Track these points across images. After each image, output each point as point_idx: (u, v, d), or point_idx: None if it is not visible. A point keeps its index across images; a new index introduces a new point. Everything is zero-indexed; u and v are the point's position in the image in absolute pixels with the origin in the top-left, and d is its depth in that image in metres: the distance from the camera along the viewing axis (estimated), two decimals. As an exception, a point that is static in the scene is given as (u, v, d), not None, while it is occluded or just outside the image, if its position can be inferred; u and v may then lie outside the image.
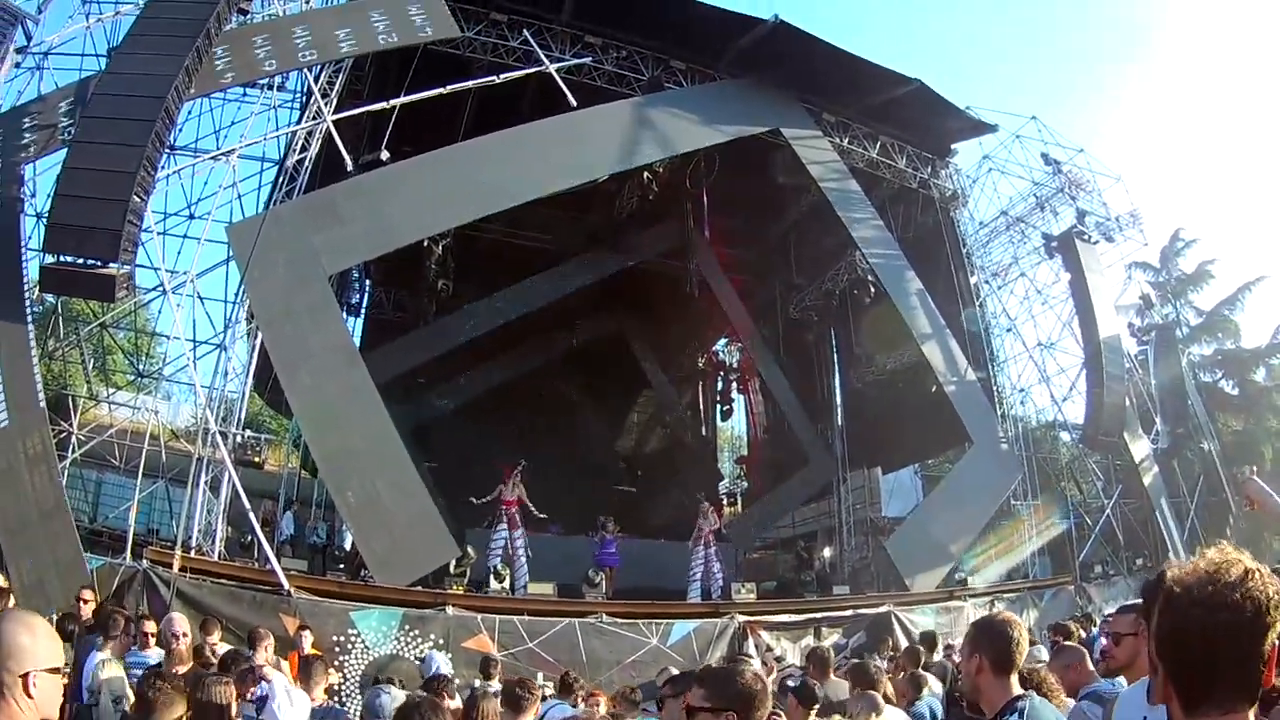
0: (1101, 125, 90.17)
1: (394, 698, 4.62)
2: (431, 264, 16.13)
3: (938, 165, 20.05)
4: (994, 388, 18.99)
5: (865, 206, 17.70)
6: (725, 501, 25.51)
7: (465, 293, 18.11)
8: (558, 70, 14.67)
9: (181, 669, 5.58)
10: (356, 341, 16.62)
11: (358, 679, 9.77)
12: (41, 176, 12.00)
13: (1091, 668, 4.10)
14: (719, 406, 27.72)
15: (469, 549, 12.83)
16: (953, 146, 20.29)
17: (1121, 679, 3.51)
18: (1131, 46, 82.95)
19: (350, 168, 12.63)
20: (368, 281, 19.48)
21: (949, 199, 20.09)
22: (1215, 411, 26.65)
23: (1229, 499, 23.52)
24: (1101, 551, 19.96)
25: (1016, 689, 2.79)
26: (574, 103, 14.31)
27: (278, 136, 13.82)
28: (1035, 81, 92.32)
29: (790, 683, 5.82)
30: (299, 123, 13.89)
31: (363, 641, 10.14)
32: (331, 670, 7.95)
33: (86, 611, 8.08)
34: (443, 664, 9.23)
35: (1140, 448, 20.23)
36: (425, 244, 15.28)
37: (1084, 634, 7.88)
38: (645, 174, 16.90)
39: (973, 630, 3.05)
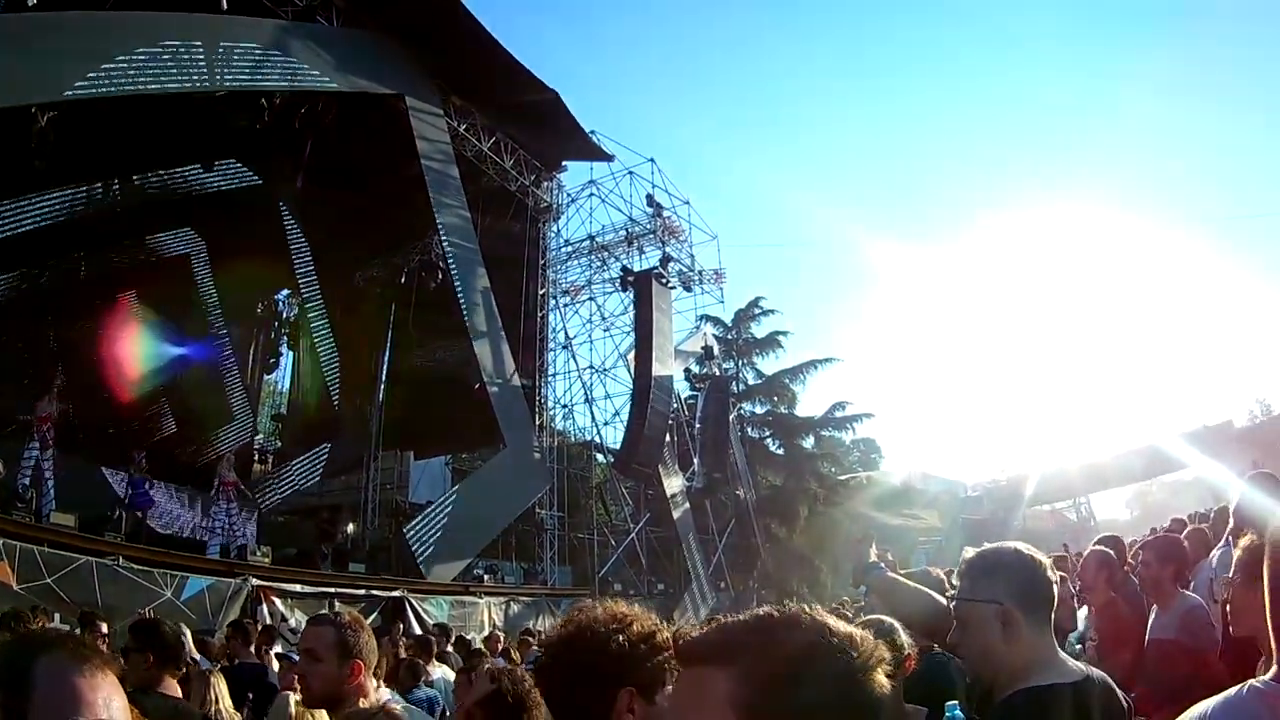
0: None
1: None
2: (32, 134, 15.34)
3: (543, 176, 22.74)
4: (538, 398, 21.84)
5: (458, 194, 19.54)
6: (256, 458, 26.56)
7: (56, 176, 17.76)
8: (219, -31, 14.99)
9: None
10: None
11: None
12: None
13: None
14: (267, 358, 27.97)
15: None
16: (564, 163, 23.10)
17: None
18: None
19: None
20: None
21: (543, 210, 22.89)
22: (757, 465, 31.77)
23: (758, 545, 28.25)
24: (625, 572, 23.31)
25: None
26: (225, 6, 14.91)
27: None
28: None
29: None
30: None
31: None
32: None
33: None
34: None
35: (674, 483, 24.18)
36: (33, 110, 14.61)
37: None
38: (262, 100, 17.30)
39: (354, 636, 2.75)
